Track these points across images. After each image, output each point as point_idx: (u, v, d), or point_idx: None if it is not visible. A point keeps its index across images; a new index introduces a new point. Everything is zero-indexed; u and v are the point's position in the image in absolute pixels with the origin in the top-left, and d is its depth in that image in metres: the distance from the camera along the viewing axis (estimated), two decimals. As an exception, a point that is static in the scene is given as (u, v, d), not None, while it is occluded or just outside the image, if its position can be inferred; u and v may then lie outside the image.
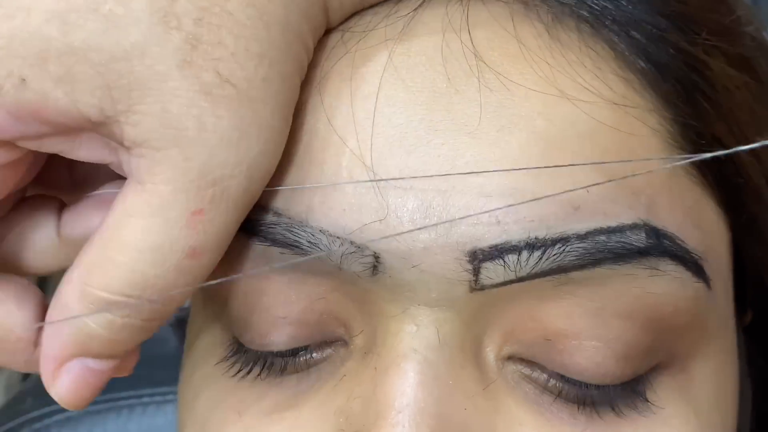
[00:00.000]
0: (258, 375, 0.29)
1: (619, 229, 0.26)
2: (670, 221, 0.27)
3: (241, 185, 0.24)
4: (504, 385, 0.27)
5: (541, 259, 0.25)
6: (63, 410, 0.50)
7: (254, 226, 0.27)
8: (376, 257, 0.26)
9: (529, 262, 0.25)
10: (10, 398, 0.56)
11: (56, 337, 0.25)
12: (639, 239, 0.26)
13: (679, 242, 0.27)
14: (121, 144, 0.24)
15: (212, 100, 0.23)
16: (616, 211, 0.26)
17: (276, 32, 0.24)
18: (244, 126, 0.24)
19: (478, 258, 0.25)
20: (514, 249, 0.25)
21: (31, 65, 0.22)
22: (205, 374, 0.31)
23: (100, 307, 0.24)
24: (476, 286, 0.26)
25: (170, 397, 0.52)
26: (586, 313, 0.26)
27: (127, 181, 0.24)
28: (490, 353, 0.27)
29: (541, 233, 0.25)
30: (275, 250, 0.27)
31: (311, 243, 0.26)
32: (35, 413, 0.51)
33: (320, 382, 0.28)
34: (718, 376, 0.30)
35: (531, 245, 0.25)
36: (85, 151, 0.25)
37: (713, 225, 0.29)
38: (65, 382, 0.25)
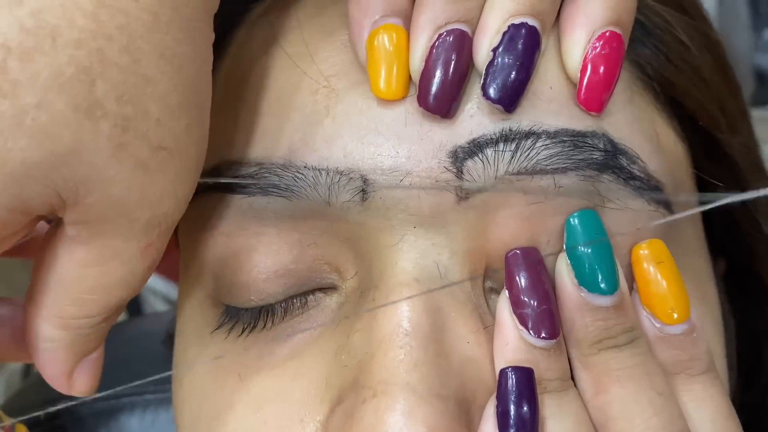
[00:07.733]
0: (251, 332, 0.29)
1: (583, 134, 0.26)
2: (628, 138, 0.27)
3: (179, 211, 0.25)
4: None
5: (515, 153, 0.25)
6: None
7: (237, 182, 0.27)
8: (364, 179, 0.26)
9: (504, 155, 0.25)
10: (10, 395, 0.56)
11: (55, 360, 0.27)
12: (598, 150, 0.26)
13: (639, 162, 0.27)
14: (57, 216, 0.24)
15: (150, 171, 0.24)
16: (580, 116, 0.26)
17: (189, 69, 0.24)
18: (177, 174, 0.24)
19: (459, 157, 0.26)
20: (491, 141, 0.26)
21: None
22: (201, 346, 0.31)
23: (91, 326, 0.26)
24: (461, 193, 0.26)
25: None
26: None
27: (61, 235, 0.25)
28: (487, 295, 0.27)
29: (514, 126, 0.26)
30: (262, 201, 0.27)
31: (297, 181, 0.26)
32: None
33: (318, 332, 0.28)
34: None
35: (505, 136, 0.26)
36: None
37: (672, 147, 0.30)
38: (82, 382, 0.28)
